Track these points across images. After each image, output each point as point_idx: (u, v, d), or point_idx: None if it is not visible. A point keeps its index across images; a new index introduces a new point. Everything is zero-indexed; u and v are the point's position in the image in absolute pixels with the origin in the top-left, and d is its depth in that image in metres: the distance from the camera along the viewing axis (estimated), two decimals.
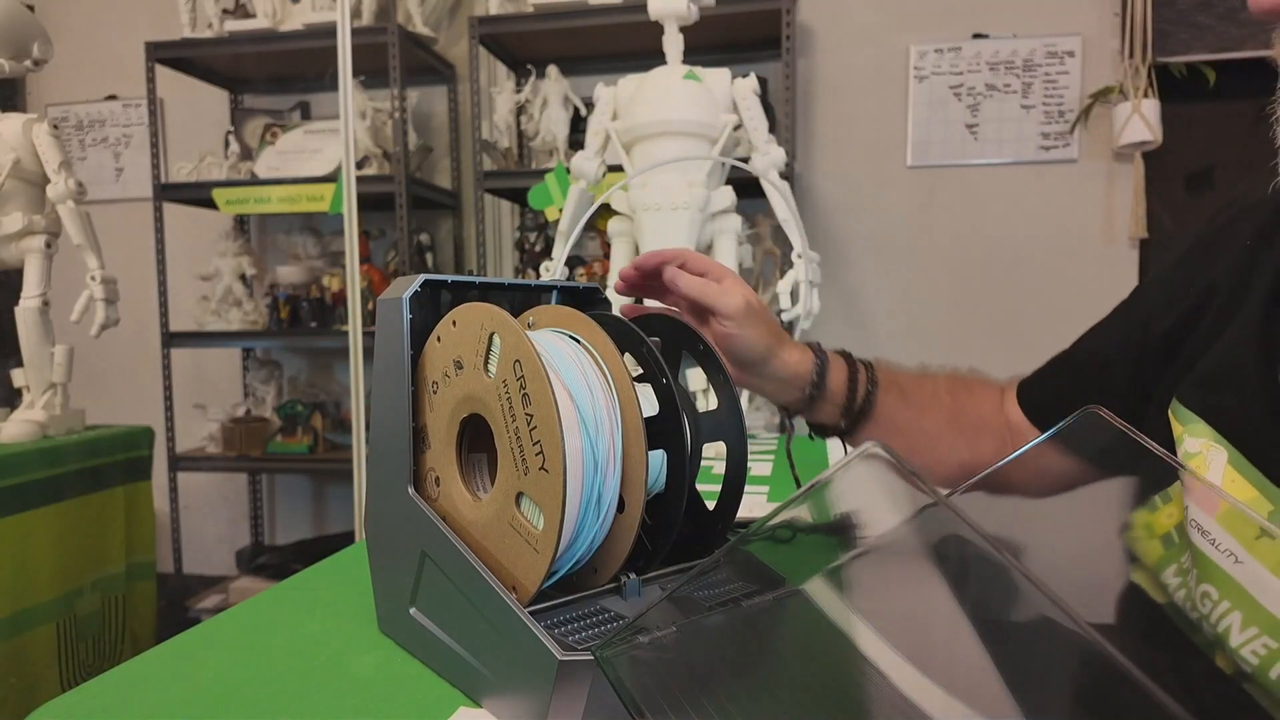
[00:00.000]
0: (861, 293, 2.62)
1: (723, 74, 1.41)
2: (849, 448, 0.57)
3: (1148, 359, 0.59)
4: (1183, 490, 0.41)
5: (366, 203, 2.51)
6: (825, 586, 0.38)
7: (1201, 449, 0.41)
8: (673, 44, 1.42)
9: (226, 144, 2.81)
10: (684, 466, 0.52)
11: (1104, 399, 0.41)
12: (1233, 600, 0.35)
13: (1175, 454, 0.42)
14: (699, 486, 0.58)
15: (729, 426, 0.58)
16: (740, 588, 0.48)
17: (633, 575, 0.51)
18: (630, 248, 1.42)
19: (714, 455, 0.78)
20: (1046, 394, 0.70)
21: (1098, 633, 0.32)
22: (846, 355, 0.72)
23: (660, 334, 0.59)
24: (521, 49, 2.65)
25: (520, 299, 0.61)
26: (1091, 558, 0.44)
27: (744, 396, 1.33)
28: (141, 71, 2.61)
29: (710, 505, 0.58)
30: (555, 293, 0.66)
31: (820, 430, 0.71)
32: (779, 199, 1.39)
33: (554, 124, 2.52)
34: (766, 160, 1.42)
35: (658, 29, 1.43)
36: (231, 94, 2.97)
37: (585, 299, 0.65)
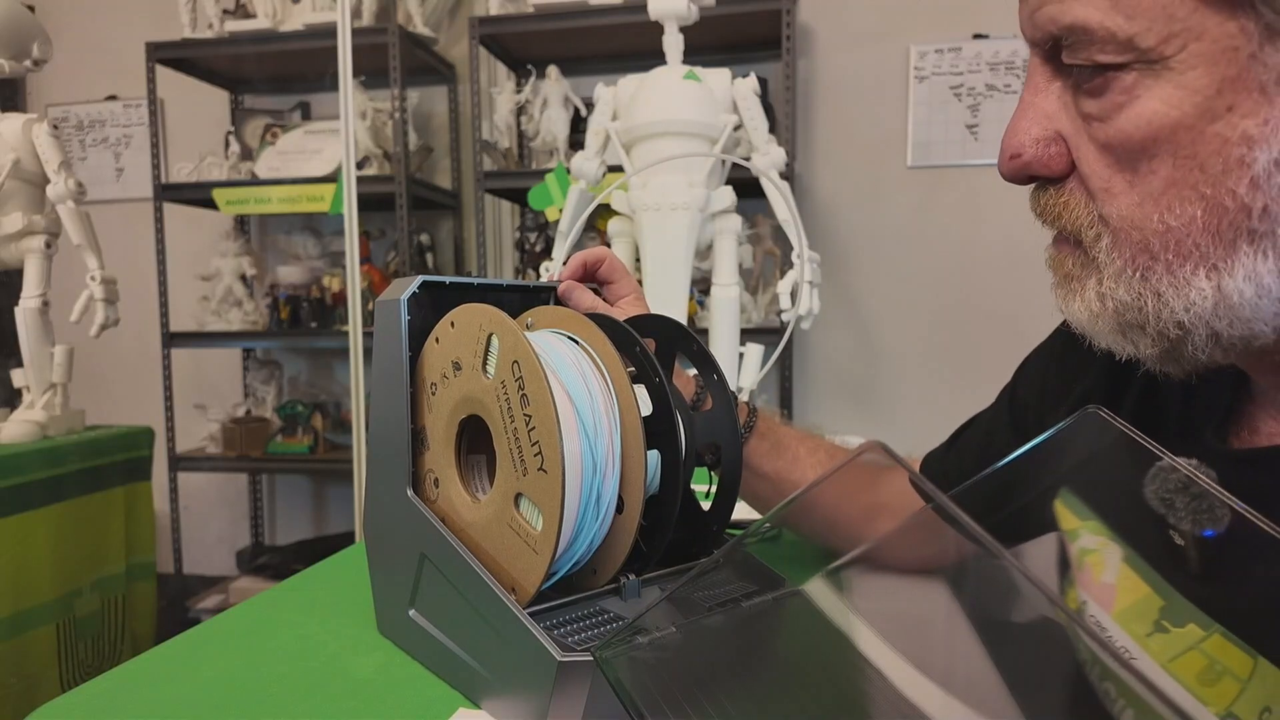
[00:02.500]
0: (862, 293, 2.62)
1: (723, 74, 1.41)
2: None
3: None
4: (1076, 580, 0.42)
5: (367, 203, 2.51)
6: (825, 587, 0.37)
7: (1098, 546, 0.42)
8: (673, 44, 1.42)
9: (227, 144, 2.81)
10: (678, 467, 0.52)
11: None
12: (1127, 699, 0.35)
13: (1068, 548, 0.43)
14: (693, 487, 0.58)
15: (723, 427, 0.58)
16: (740, 588, 0.48)
17: (632, 576, 0.51)
18: (630, 248, 1.42)
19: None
20: (938, 474, 0.70)
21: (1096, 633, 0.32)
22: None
23: (655, 335, 0.59)
24: (522, 49, 2.65)
25: (519, 300, 0.61)
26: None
27: (744, 394, 1.33)
28: (142, 71, 2.61)
29: (705, 506, 0.58)
30: (554, 294, 0.66)
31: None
32: (779, 199, 1.39)
33: (554, 124, 2.52)
34: (767, 160, 1.42)
35: (658, 29, 1.43)
36: (232, 94, 2.97)
37: None
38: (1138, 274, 0.41)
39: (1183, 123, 0.38)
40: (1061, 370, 0.61)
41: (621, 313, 0.66)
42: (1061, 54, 0.41)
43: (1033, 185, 0.46)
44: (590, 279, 0.69)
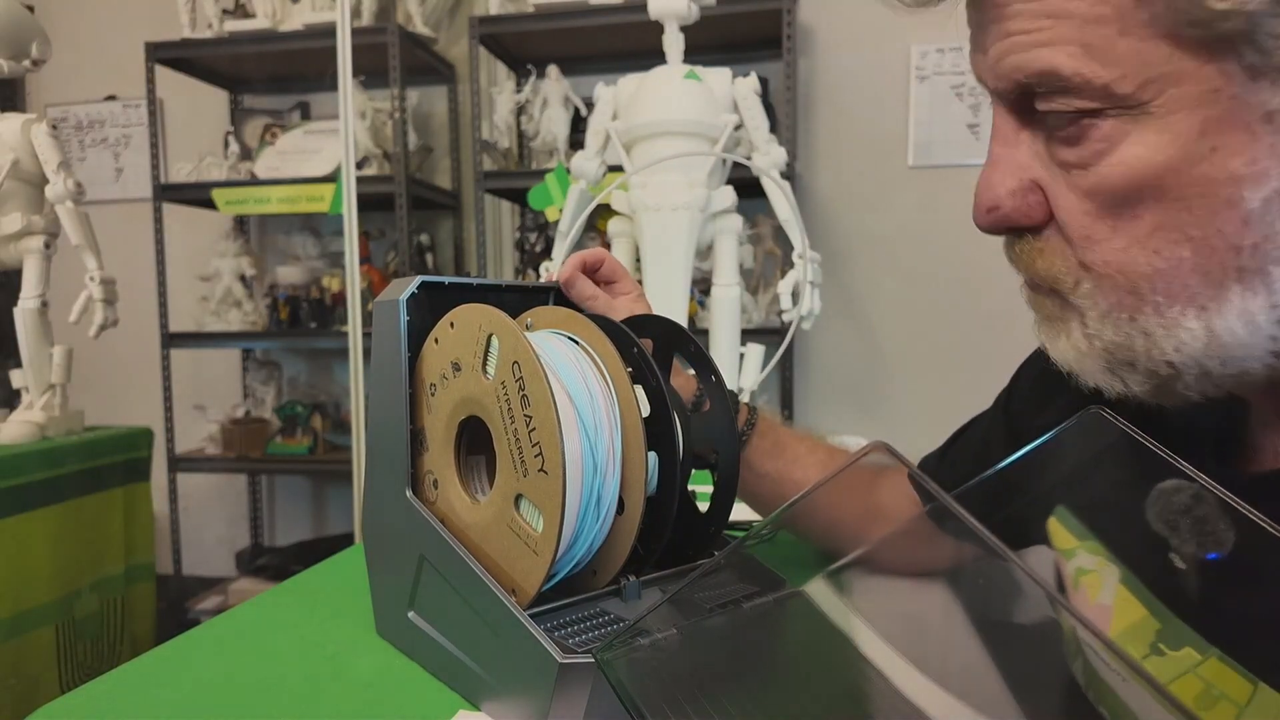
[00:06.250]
0: (862, 293, 2.62)
1: (723, 74, 1.41)
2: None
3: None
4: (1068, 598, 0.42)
5: (366, 203, 2.50)
6: (826, 588, 0.37)
7: (1096, 566, 0.41)
8: (673, 44, 1.41)
9: (226, 144, 2.81)
10: (674, 468, 0.51)
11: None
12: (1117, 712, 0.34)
13: (1062, 568, 0.43)
14: (691, 488, 0.58)
15: (721, 429, 0.57)
16: (741, 590, 0.47)
17: (632, 577, 0.51)
18: (630, 248, 1.42)
19: None
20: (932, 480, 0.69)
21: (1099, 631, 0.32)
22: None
23: (652, 336, 0.59)
24: (521, 49, 2.64)
25: (518, 300, 0.61)
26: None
27: (745, 395, 1.33)
28: (141, 72, 2.61)
29: (703, 507, 0.58)
30: (554, 294, 0.65)
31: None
32: (780, 199, 1.39)
33: (554, 124, 2.52)
34: (767, 160, 1.42)
35: (658, 29, 1.43)
36: (231, 94, 2.97)
37: None
38: (1125, 315, 0.40)
39: (1168, 166, 0.37)
40: (1047, 378, 0.60)
41: (622, 310, 0.66)
42: (1034, 101, 0.40)
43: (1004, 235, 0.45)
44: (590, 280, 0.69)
